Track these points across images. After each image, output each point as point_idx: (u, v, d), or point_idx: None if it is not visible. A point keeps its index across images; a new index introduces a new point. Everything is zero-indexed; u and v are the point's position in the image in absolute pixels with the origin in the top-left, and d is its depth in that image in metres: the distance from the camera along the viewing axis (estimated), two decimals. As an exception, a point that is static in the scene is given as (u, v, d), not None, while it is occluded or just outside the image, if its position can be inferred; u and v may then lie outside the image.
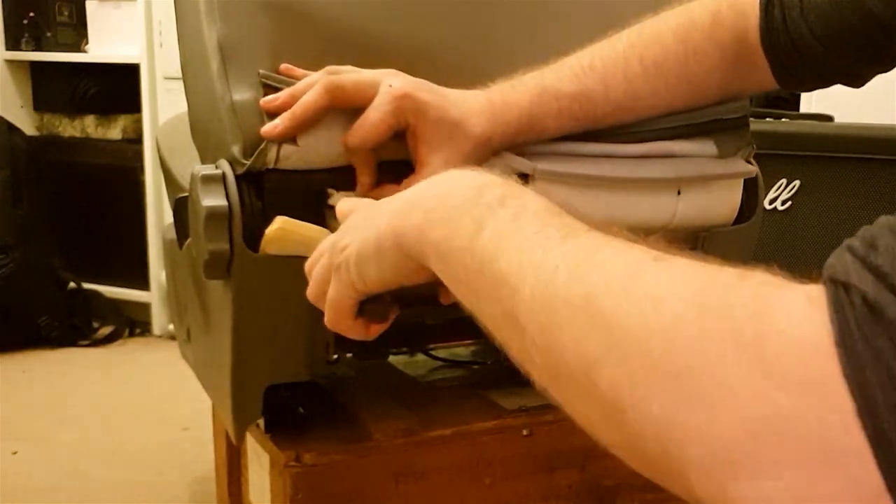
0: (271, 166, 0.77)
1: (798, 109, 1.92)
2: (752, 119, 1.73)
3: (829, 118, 1.73)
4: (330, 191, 0.79)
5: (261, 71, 0.79)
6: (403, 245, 0.55)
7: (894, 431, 0.31)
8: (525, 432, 0.94)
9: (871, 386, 0.31)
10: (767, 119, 1.76)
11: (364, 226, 0.60)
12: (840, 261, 0.34)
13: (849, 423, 0.32)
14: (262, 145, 0.75)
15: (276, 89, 0.78)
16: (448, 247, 0.51)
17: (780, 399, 0.33)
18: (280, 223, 0.73)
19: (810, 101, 1.89)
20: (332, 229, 0.75)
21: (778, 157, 1.61)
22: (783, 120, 1.75)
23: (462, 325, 1.10)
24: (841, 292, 0.33)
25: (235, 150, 0.77)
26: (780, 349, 0.34)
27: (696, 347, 0.36)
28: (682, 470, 0.37)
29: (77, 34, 2.62)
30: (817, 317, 0.33)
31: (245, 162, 0.76)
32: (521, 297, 0.44)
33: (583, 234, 0.45)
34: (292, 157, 0.77)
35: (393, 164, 0.79)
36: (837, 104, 1.78)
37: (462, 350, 1.18)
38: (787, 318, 0.34)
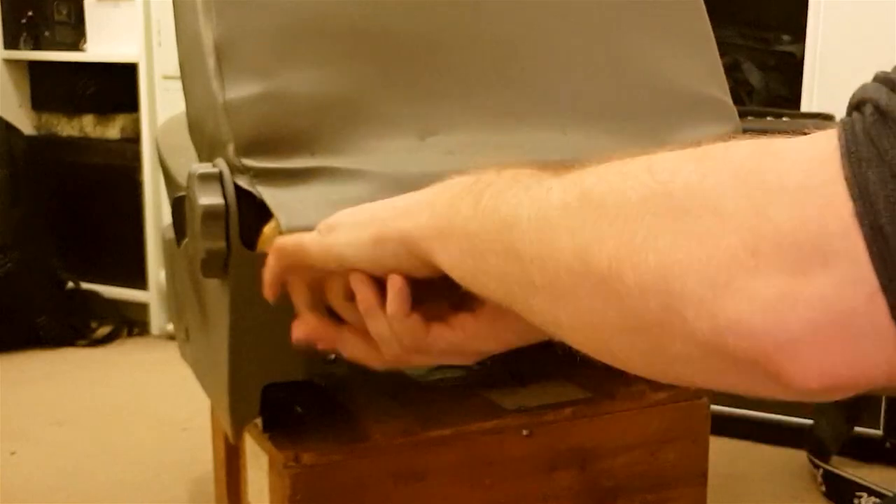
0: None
1: (799, 108, 1.91)
2: (752, 118, 1.73)
3: (830, 117, 1.73)
4: None
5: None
6: (408, 241, 0.54)
7: (892, 226, 0.30)
8: (525, 432, 0.94)
9: (872, 184, 0.31)
10: (768, 118, 1.75)
11: (355, 223, 0.58)
12: (861, 87, 0.34)
13: (847, 223, 0.31)
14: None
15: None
16: (451, 226, 0.50)
17: (779, 213, 0.32)
18: (277, 222, 0.73)
19: (811, 101, 1.88)
20: None
21: (778, 156, 1.60)
22: (784, 119, 1.75)
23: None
24: (854, 112, 0.33)
25: (230, 149, 0.76)
26: (779, 167, 0.33)
27: (694, 190, 0.35)
28: (682, 310, 0.35)
29: (75, 33, 2.62)
30: (822, 138, 0.33)
31: (237, 163, 0.76)
32: (520, 227, 0.44)
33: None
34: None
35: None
36: (838, 103, 1.77)
37: (461, 350, 1.18)
38: (790, 145, 0.34)
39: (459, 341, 0.58)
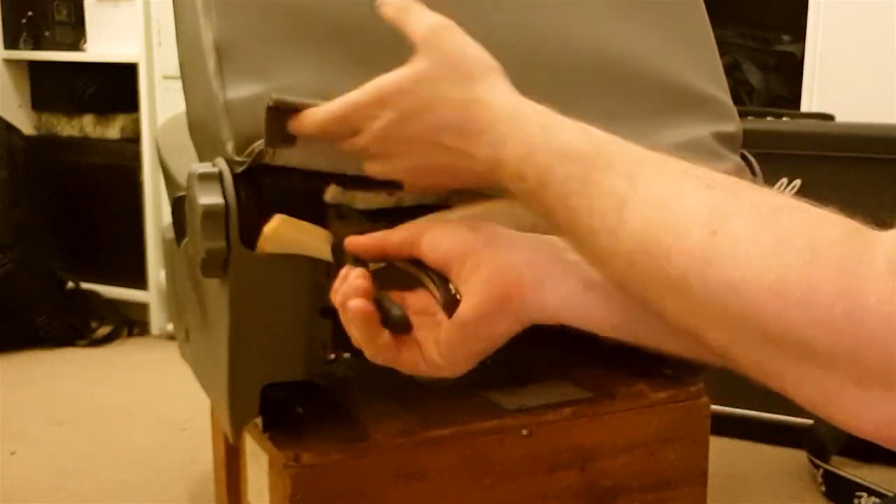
0: (267, 161, 0.76)
1: (799, 108, 1.92)
2: (752, 118, 1.73)
3: (830, 117, 1.73)
4: (329, 187, 0.78)
5: (273, 96, 0.73)
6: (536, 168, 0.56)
7: None
8: (525, 432, 0.94)
9: None
10: (768, 118, 1.75)
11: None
12: None
13: None
14: (258, 143, 0.75)
15: (289, 107, 0.71)
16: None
17: (874, 346, 0.40)
18: (279, 221, 0.73)
19: (811, 101, 1.88)
20: (332, 228, 0.75)
21: (779, 156, 1.61)
22: (784, 119, 1.75)
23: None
24: None
25: (229, 147, 0.76)
26: (872, 299, 0.40)
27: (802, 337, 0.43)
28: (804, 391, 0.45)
29: (75, 33, 2.62)
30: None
31: (239, 159, 0.76)
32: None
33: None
34: (291, 160, 0.76)
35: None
36: (838, 103, 1.78)
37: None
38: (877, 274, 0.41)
39: (427, 362, 0.62)
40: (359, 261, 0.67)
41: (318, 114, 0.68)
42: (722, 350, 0.47)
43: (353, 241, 0.66)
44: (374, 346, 0.62)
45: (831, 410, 0.43)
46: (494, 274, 0.59)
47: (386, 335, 0.62)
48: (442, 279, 0.63)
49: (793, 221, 0.45)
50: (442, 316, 0.62)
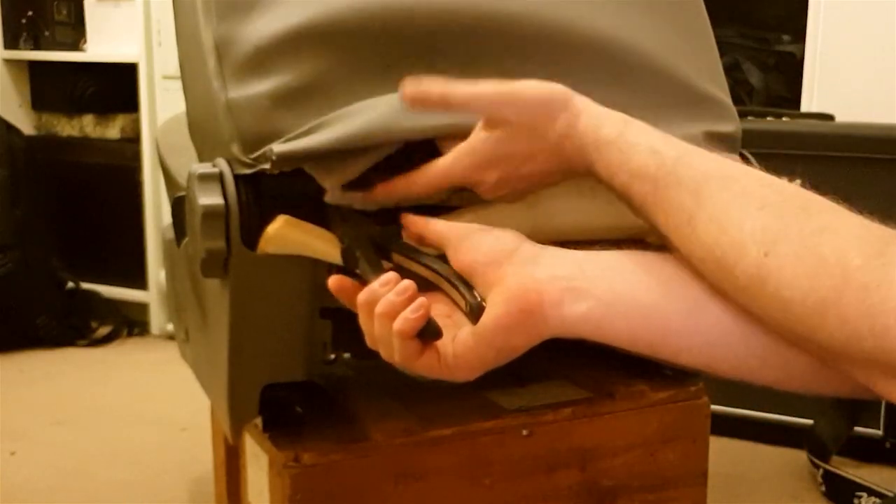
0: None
1: (799, 108, 1.92)
2: (752, 118, 1.73)
3: (830, 117, 1.73)
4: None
5: (275, 149, 0.74)
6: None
7: None
8: (525, 432, 0.94)
9: None
10: (768, 118, 1.75)
11: None
12: None
13: None
14: (266, 149, 0.75)
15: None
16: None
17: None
18: (282, 222, 0.73)
19: (811, 101, 1.89)
20: (334, 229, 0.75)
21: (779, 156, 1.60)
22: (784, 119, 1.75)
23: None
24: None
25: (235, 148, 0.76)
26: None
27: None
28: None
29: (75, 33, 2.62)
30: None
31: (245, 159, 0.76)
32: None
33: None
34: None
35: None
36: (838, 103, 1.78)
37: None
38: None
39: (442, 366, 0.64)
40: (372, 263, 0.68)
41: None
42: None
43: (412, 221, 0.72)
44: (404, 353, 0.63)
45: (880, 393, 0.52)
46: (516, 288, 0.61)
47: (416, 342, 0.63)
48: (467, 285, 0.64)
49: (830, 245, 0.53)
50: (460, 318, 0.63)
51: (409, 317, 0.61)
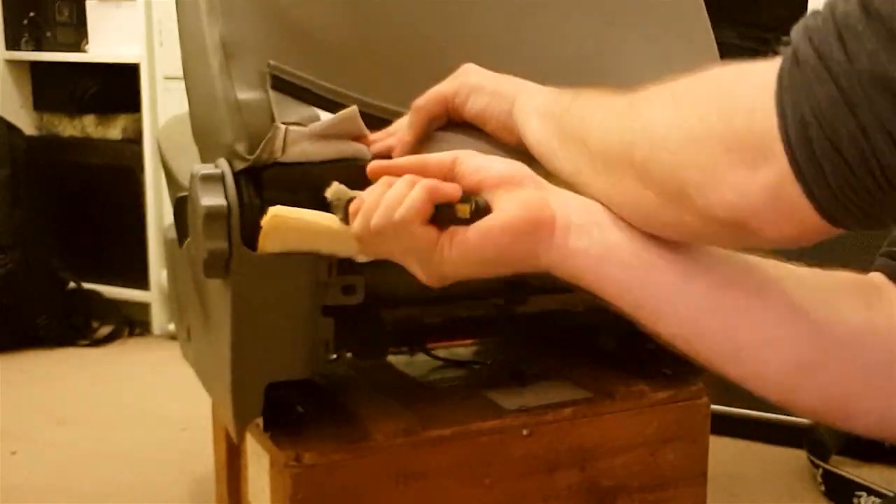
0: (278, 155, 0.76)
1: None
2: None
3: (830, 118, 1.73)
4: (331, 184, 0.78)
5: (270, 62, 0.78)
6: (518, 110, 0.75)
7: (795, 137, 0.48)
8: (525, 432, 0.94)
9: (787, 106, 0.48)
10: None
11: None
12: (799, 28, 0.52)
13: (776, 134, 0.48)
14: (270, 133, 0.75)
15: (286, 83, 0.78)
16: (549, 112, 0.72)
17: (743, 125, 0.50)
18: (274, 211, 0.72)
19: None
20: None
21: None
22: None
23: (462, 324, 1.10)
24: (789, 48, 0.51)
25: (240, 147, 0.77)
26: (744, 90, 0.52)
27: (692, 115, 0.55)
28: (689, 191, 0.53)
29: (77, 34, 2.62)
30: (771, 69, 0.50)
31: (250, 158, 0.76)
32: (593, 126, 0.64)
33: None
34: (300, 142, 0.76)
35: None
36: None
37: (462, 350, 1.18)
38: (755, 70, 0.52)
39: (439, 260, 0.65)
40: None
41: None
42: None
43: (396, 163, 0.72)
44: (412, 208, 0.64)
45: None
46: (533, 199, 0.62)
47: (430, 207, 0.64)
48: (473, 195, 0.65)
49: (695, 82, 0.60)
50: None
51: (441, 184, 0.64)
